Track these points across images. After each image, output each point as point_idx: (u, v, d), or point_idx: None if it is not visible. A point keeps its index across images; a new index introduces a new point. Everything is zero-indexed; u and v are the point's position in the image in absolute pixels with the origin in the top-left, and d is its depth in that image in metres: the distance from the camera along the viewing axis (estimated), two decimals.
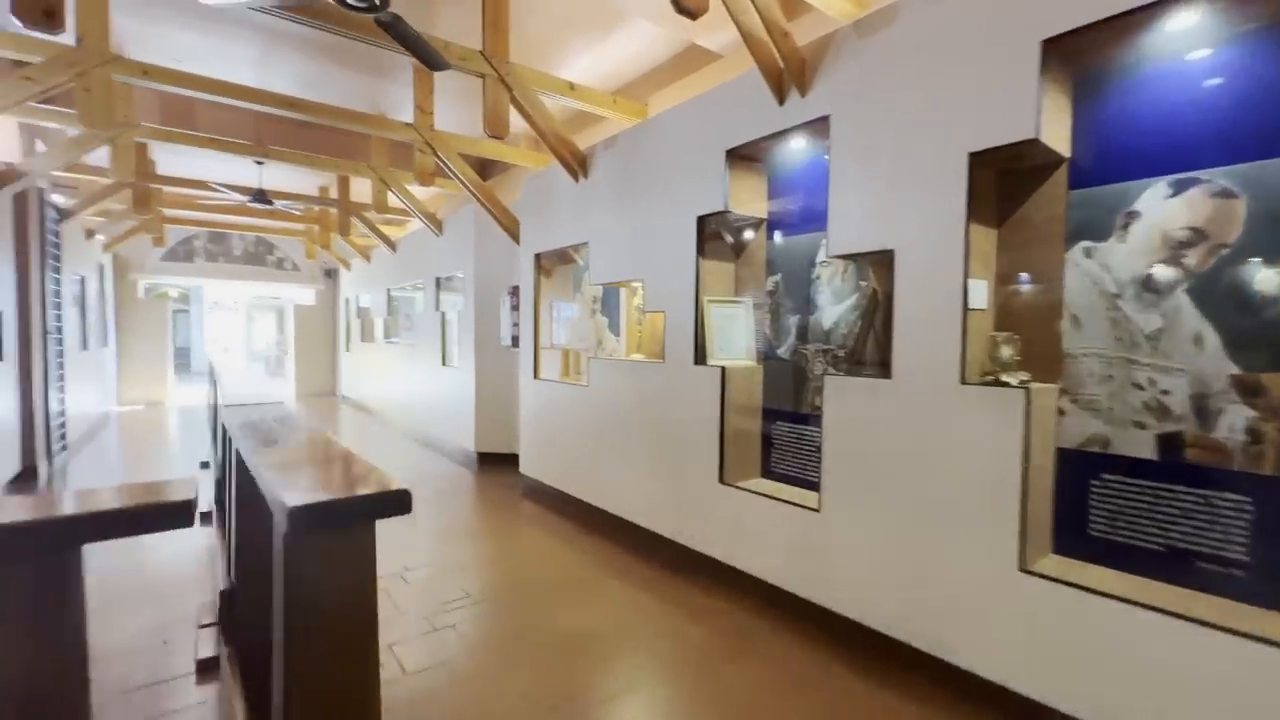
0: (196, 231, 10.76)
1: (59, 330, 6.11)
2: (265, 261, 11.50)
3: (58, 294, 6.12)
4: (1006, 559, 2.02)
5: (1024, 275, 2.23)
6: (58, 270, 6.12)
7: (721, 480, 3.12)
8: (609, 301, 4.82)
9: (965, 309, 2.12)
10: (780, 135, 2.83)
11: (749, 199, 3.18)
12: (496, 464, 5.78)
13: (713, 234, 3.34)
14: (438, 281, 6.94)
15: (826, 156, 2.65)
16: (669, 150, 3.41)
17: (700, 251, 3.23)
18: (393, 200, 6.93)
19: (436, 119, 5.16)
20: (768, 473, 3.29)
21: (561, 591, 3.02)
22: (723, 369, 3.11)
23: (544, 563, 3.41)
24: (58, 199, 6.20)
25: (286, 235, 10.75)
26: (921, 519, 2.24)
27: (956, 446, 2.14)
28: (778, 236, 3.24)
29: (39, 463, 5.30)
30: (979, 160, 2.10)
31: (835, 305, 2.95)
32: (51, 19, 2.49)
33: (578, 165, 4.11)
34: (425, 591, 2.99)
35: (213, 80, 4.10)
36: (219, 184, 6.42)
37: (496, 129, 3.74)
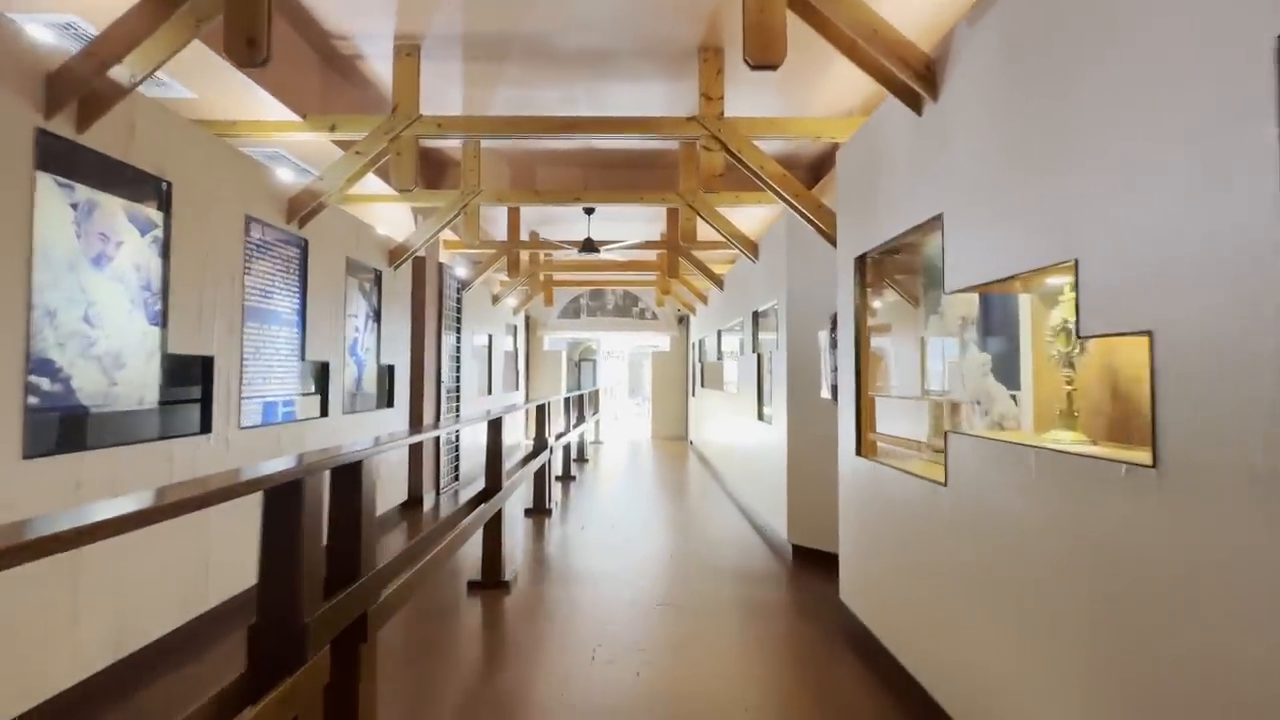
0: (583, 290, 12.49)
1: (457, 380, 7.33)
2: (631, 313, 12.54)
3: (457, 350, 7.38)
4: None
5: None
6: (458, 330, 7.40)
7: None
8: (991, 325, 2.66)
9: None
10: None
11: None
12: (814, 567, 4.06)
13: None
14: (754, 317, 5.74)
15: None
16: None
17: None
18: (705, 233, 6.12)
19: (730, 106, 4.02)
20: None
21: None
22: None
23: None
24: (460, 271, 7.58)
25: (644, 286, 11.41)
26: None
27: None
28: None
29: (425, 494, 6.21)
30: None
31: None
32: (253, 47, 2.28)
33: (919, 83, 2.28)
34: None
35: (492, 119, 3.92)
36: (559, 241, 6.78)
37: (763, 53, 2.30)
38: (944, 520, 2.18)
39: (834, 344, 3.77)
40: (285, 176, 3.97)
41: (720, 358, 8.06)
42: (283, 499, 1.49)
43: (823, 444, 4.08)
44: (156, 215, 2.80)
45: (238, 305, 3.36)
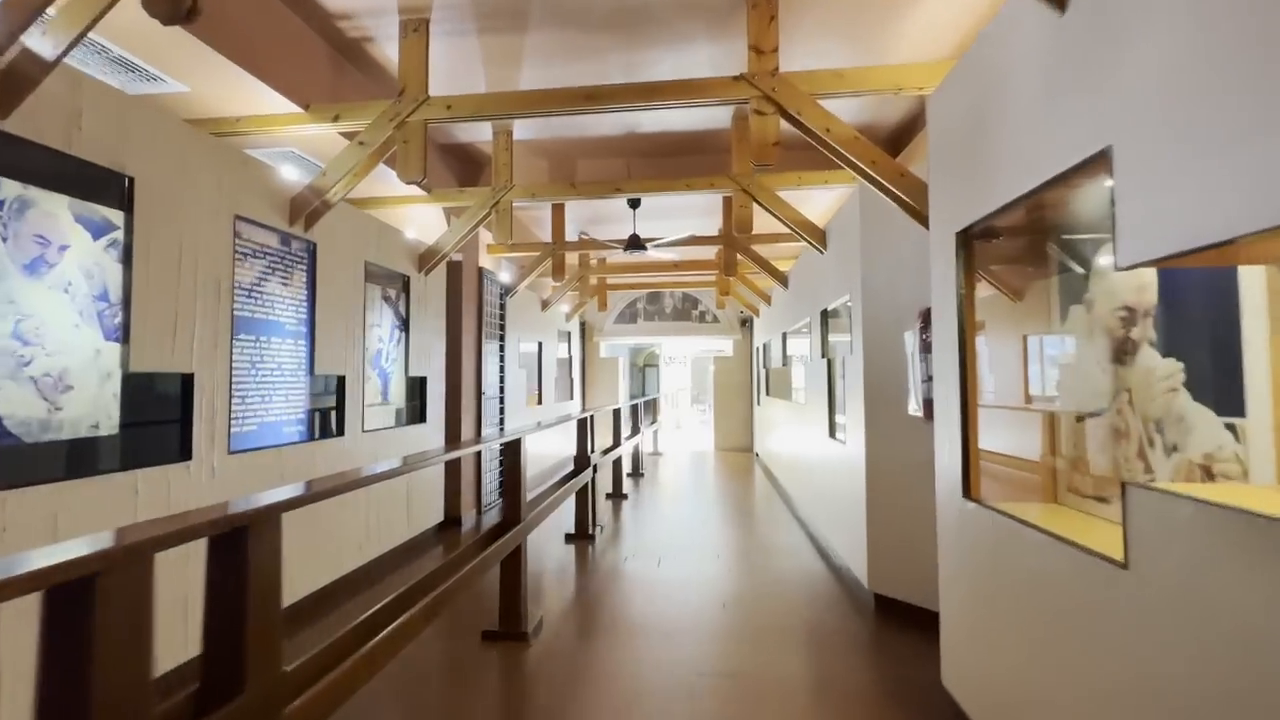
0: (639, 294, 11.95)
1: (501, 392, 6.94)
2: (690, 316, 11.87)
3: (501, 359, 7.00)
4: None
5: None
6: (501, 338, 7.02)
7: None
8: (1178, 315, 1.82)
9: None
10: None
11: None
12: (903, 626, 3.26)
13: None
14: (823, 316, 4.95)
15: None
16: None
17: None
18: (766, 225, 5.38)
19: (787, 61, 3.33)
20: None
21: None
22: None
23: None
24: (505, 277, 7.20)
25: (702, 287, 10.71)
26: None
27: None
28: None
29: (464, 513, 5.82)
30: None
31: None
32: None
33: None
34: None
35: (507, 95, 3.43)
36: (605, 240, 6.24)
37: None
38: (1124, 618, 1.40)
39: (926, 347, 2.99)
40: (293, 175, 3.64)
41: (786, 363, 7.26)
42: (66, 603, 0.98)
43: (912, 472, 3.28)
44: (115, 215, 2.47)
45: (225, 316, 3.01)
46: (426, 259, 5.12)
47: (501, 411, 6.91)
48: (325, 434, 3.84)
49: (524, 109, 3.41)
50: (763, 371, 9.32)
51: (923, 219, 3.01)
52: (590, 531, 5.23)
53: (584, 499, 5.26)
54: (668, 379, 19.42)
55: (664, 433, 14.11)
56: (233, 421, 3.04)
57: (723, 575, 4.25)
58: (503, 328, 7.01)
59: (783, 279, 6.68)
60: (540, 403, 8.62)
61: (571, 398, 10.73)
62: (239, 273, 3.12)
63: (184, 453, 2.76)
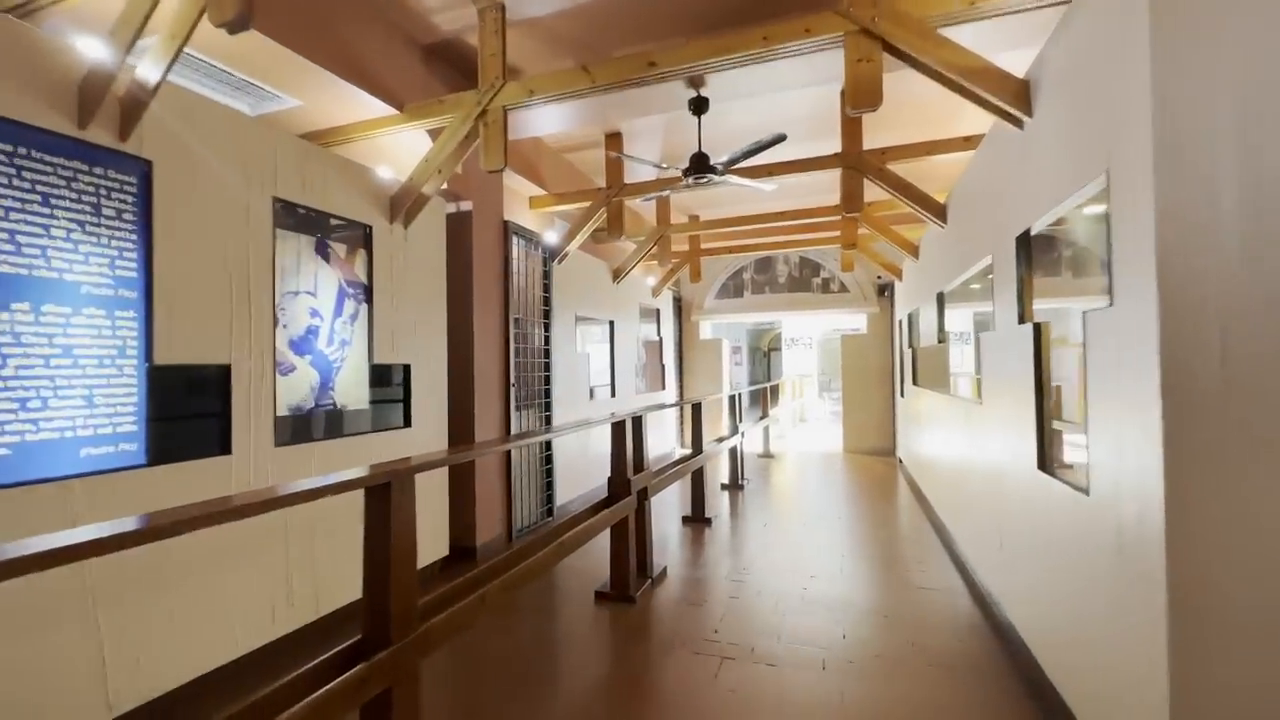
0: (744, 260, 9.91)
1: (546, 383, 5.48)
2: (810, 286, 9.59)
3: (545, 341, 5.53)
4: None
5: None
6: (546, 315, 5.54)
7: None
8: None
9: None
10: None
11: None
12: None
13: None
14: (1022, 246, 2.73)
15: None
16: None
17: None
18: (902, 126, 3.22)
19: None
20: None
21: None
22: None
23: None
24: (551, 237, 5.69)
25: (824, 244, 8.42)
26: None
27: None
28: None
29: (486, 540, 4.45)
30: None
31: None
32: None
33: None
34: None
35: None
36: (665, 167, 4.43)
37: None
38: None
39: None
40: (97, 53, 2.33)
41: (943, 339, 4.94)
42: None
43: None
44: None
45: None
46: (400, 203, 3.72)
47: (547, 408, 5.46)
48: (191, 454, 2.55)
49: None
50: (907, 353, 6.92)
51: None
52: (630, 592, 3.55)
53: (623, 540, 3.60)
54: (789, 364, 16.97)
55: (781, 428, 11.95)
56: None
57: (824, 702, 2.35)
58: (547, 301, 5.52)
59: (939, 211, 4.40)
60: (614, 395, 7.06)
61: (663, 387, 9.07)
62: None
63: None
